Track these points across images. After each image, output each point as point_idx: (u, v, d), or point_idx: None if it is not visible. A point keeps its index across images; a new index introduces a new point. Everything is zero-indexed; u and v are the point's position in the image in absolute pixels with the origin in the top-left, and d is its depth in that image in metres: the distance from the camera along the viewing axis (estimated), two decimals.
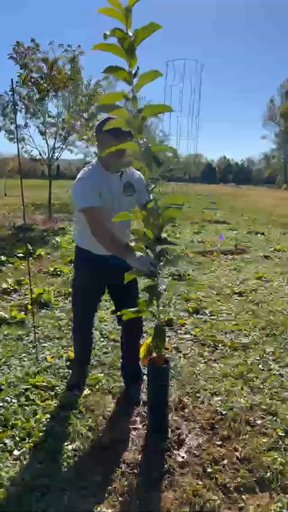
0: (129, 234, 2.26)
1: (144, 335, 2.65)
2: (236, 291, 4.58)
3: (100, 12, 1.54)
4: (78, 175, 2.13)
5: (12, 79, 2.78)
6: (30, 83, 9.48)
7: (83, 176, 2.10)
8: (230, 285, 4.87)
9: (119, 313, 2.10)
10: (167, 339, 2.99)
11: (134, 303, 2.21)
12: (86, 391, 2.45)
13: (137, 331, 2.43)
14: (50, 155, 10.88)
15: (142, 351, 1.97)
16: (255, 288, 4.74)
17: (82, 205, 2.04)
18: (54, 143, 10.76)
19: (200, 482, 1.75)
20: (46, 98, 9.86)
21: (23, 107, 9.78)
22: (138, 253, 1.96)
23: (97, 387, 2.50)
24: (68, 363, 2.79)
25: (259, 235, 9.03)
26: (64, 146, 11.11)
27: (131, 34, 1.53)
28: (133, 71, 1.60)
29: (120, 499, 1.66)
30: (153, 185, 1.81)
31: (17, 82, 9.17)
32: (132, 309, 1.96)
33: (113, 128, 1.96)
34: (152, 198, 1.80)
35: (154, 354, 2.03)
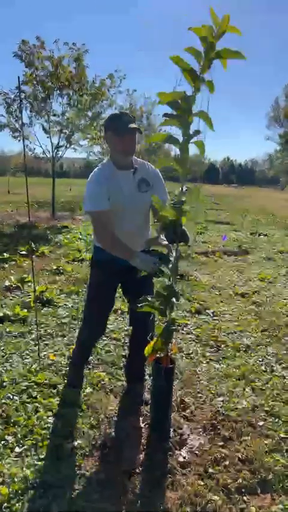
0: (148, 232, 2.24)
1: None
2: (239, 292, 4.57)
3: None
4: (89, 177, 2.10)
5: (18, 77, 2.77)
6: (35, 82, 9.51)
7: (92, 179, 2.07)
8: (233, 286, 4.86)
9: (136, 306, 2.05)
10: (173, 340, 2.99)
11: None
12: (88, 389, 2.45)
13: (147, 331, 2.38)
14: (54, 153, 10.90)
15: (148, 349, 1.97)
16: (258, 289, 4.73)
17: (87, 208, 2.06)
18: (58, 142, 10.79)
19: (202, 483, 1.75)
20: (51, 97, 9.88)
21: (27, 105, 9.80)
22: (142, 254, 1.95)
23: (99, 385, 2.50)
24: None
25: (262, 236, 9.02)
26: (68, 145, 11.12)
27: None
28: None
29: (122, 497, 1.66)
30: (185, 188, 1.81)
31: (22, 81, 9.19)
32: (148, 303, 1.95)
33: (115, 126, 1.99)
34: (168, 197, 1.83)
35: (160, 354, 2.02)
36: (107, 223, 2.04)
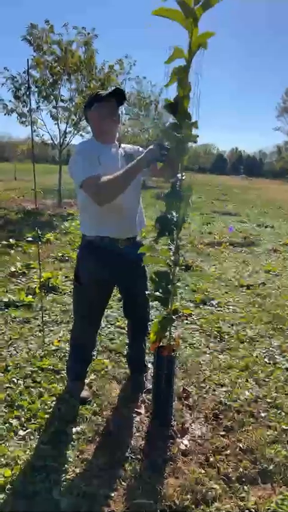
0: (140, 209, 2.13)
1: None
2: (244, 284, 4.55)
3: None
4: (74, 153, 1.95)
5: (28, 59, 2.73)
6: (43, 66, 9.39)
7: (77, 152, 1.93)
8: (238, 277, 4.84)
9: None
10: (177, 332, 3.00)
11: (144, 300, 2.17)
12: (92, 376, 2.46)
13: (144, 324, 2.37)
14: (61, 140, 10.83)
15: (152, 337, 1.97)
16: (263, 281, 4.71)
17: (80, 179, 1.81)
18: (66, 128, 10.69)
19: (203, 471, 1.76)
20: (59, 82, 9.76)
21: (35, 90, 9.70)
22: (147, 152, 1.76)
23: (102, 372, 2.52)
24: None
25: (269, 228, 8.95)
26: (75, 131, 11.03)
27: None
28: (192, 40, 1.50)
29: (123, 483, 1.68)
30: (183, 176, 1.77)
31: (31, 64, 9.07)
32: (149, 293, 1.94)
33: (92, 99, 1.93)
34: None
35: (162, 343, 2.03)
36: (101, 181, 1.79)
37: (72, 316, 3.32)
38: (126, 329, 2.53)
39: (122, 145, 2.07)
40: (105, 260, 2.01)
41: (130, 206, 2.02)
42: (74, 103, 10.26)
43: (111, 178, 1.76)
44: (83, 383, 2.32)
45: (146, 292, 2.00)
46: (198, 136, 1.68)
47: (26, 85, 9.41)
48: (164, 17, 1.51)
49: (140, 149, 2.10)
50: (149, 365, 2.49)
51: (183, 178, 1.77)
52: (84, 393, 2.25)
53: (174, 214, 1.80)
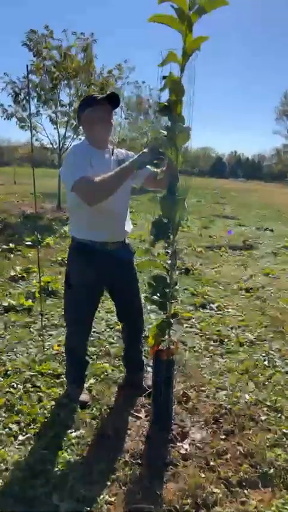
0: (128, 216, 2.13)
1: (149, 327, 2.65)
2: (244, 287, 4.55)
3: None
4: (66, 155, 1.96)
5: (27, 65, 2.75)
6: (42, 71, 9.44)
7: (70, 153, 1.93)
8: (238, 280, 4.85)
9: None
10: (176, 336, 2.99)
11: (137, 302, 2.21)
12: (92, 380, 2.46)
13: (137, 328, 2.36)
14: (61, 144, 10.86)
15: (150, 340, 1.98)
16: (262, 284, 4.72)
17: (73, 179, 1.79)
18: (65, 132, 10.74)
19: (203, 475, 1.76)
20: (58, 87, 9.81)
21: (35, 95, 9.75)
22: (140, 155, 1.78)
23: (102, 376, 2.51)
24: None
25: (268, 231, 8.96)
26: (75, 136, 11.07)
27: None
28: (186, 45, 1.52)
29: (123, 488, 1.68)
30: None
31: (30, 70, 9.13)
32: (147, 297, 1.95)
33: (87, 101, 1.92)
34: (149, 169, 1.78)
35: (162, 347, 2.03)
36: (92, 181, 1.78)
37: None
38: (121, 332, 2.52)
39: (115, 151, 2.07)
40: (94, 262, 2.00)
41: (120, 211, 2.04)
42: (73, 108, 10.31)
43: (103, 178, 1.76)
44: (82, 386, 2.31)
45: (143, 296, 2.01)
46: (189, 137, 1.68)
47: (26, 90, 9.46)
48: (159, 23, 1.53)
49: (133, 154, 2.08)
50: (149, 369, 2.49)
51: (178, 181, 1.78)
52: (84, 396, 2.24)
53: (170, 217, 1.81)
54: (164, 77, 1.59)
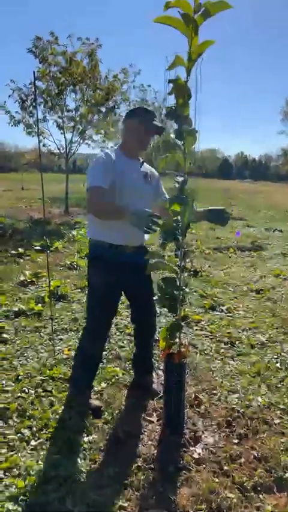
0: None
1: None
2: (253, 289, 4.51)
3: None
4: (95, 159, 2.00)
5: (34, 71, 2.77)
6: (48, 78, 9.53)
7: (99, 157, 1.98)
8: (247, 282, 4.81)
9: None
10: (186, 339, 2.98)
11: (152, 303, 2.22)
12: (103, 384, 2.45)
13: (150, 329, 2.37)
14: (68, 149, 10.94)
15: (161, 343, 1.97)
16: (272, 285, 4.67)
17: (90, 184, 1.90)
18: (72, 137, 10.81)
19: (217, 480, 1.73)
20: (64, 92, 9.89)
21: (41, 101, 9.84)
22: (135, 210, 1.82)
23: (113, 380, 2.51)
24: None
25: (277, 232, 8.89)
26: (81, 140, 11.14)
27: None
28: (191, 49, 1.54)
29: (136, 493, 1.66)
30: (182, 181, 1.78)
31: (37, 76, 9.21)
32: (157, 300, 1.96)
33: (146, 117, 1.97)
34: (166, 197, 1.83)
35: (173, 350, 2.01)
36: (101, 197, 1.90)
37: (81, 324, 3.33)
38: (133, 333, 2.52)
39: (144, 164, 2.15)
40: (113, 266, 2.03)
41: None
42: (79, 113, 10.38)
43: (106, 205, 1.90)
44: (91, 391, 2.31)
45: (154, 298, 2.01)
46: (196, 139, 1.70)
47: (32, 97, 9.55)
48: (165, 25, 1.53)
49: (158, 176, 2.21)
50: (159, 372, 2.47)
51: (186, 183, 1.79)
52: (96, 402, 2.24)
53: (179, 219, 1.81)
54: (170, 81, 1.59)
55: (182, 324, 1.99)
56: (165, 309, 2.02)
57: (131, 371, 2.60)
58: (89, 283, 2.21)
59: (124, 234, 1.99)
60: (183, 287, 1.91)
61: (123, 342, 3.06)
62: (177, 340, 2.00)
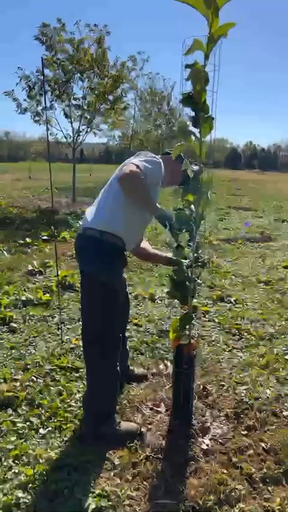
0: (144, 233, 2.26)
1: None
2: (262, 280, 4.47)
3: None
4: (153, 160, 1.95)
5: (42, 58, 2.72)
6: (56, 65, 9.41)
7: (158, 161, 1.98)
8: (256, 273, 4.77)
9: None
10: (195, 330, 2.96)
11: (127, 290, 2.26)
12: None
13: (127, 314, 2.35)
14: (75, 138, 10.85)
15: (171, 335, 1.95)
16: (282, 277, 4.62)
17: (143, 166, 1.83)
18: (79, 126, 10.71)
19: (225, 471, 1.73)
20: (71, 80, 9.77)
21: (49, 89, 9.74)
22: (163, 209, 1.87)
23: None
24: None
25: (286, 223, 8.79)
26: (89, 129, 11.04)
27: None
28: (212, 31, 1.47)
29: (145, 482, 1.67)
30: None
31: (44, 63, 9.11)
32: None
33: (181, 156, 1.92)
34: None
35: (182, 341, 2.00)
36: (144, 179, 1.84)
37: None
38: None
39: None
40: (124, 260, 2.03)
41: (142, 237, 2.24)
42: (86, 101, 10.26)
43: (144, 184, 1.82)
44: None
45: (165, 291, 1.99)
46: (213, 127, 1.65)
47: (40, 84, 9.45)
48: (184, 3, 1.47)
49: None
50: (168, 363, 2.47)
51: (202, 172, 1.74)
52: (133, 425, 2.00)
53: (192, 209, 1.77)
54: (188, 66, 1.54)
55: (193, 316, 1.96)
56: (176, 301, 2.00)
57: (138, 361, 2.60)
58: (102, 284, 1.86)
59: (134, 239, 2.04)
60: (196, 278, 1.89)
61: (130, 333, 3.05)
62: (186, 332, 1.99)
